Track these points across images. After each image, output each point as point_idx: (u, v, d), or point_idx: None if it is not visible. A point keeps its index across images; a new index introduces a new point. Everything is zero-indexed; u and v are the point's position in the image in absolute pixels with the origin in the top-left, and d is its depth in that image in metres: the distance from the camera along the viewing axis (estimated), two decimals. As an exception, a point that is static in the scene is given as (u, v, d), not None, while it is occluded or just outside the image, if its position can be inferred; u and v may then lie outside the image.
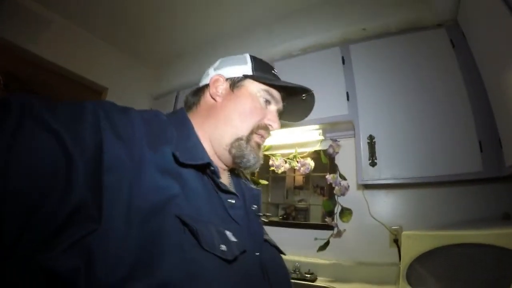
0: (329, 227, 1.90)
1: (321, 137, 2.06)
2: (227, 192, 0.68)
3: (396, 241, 1.70)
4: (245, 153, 0.74)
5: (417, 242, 1.31)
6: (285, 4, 2.13)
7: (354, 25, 1.90)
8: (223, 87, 0.80)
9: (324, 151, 2.07)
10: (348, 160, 1.94)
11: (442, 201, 1.68)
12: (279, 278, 0.76)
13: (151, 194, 0.53)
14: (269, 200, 2.35)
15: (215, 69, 0.84)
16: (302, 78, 1.95)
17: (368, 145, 1.62)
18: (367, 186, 1.81)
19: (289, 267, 1.88)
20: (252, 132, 0.76)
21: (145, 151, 0.57)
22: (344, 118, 1.78)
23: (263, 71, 0.83)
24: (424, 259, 1.28)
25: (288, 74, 2.01)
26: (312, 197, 2.26)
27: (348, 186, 1.90)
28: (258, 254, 0.69)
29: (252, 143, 0.76)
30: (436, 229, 1.34)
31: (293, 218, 2.17)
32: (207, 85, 0.82)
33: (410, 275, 1.31)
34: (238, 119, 0.76)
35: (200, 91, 0.84)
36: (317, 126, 1.94)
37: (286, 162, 2.17)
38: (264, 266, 0.69)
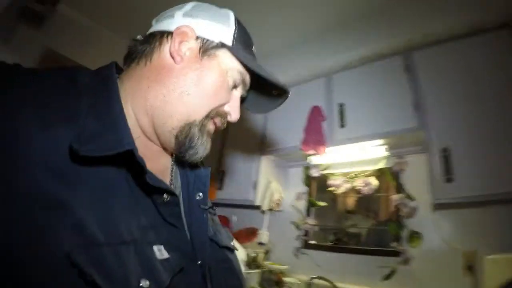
0: (394, 254, 1.67)
1: (386, 154, 1.88)
2: (158, 187, 0.51)
3: (471, 268, 1.43)
4: (195, 144, 0.57)
5: (506, 268, 1.08)
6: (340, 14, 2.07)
7: (416, 31, 1.76)
8: (190, 46, 0.58)
9: (389, 169, 1.88)
10: (416, 178, 1.74)
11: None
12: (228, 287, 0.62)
13: (19, 222, 0.36)
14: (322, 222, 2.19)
15: (184, 15, 0.60)
16: (362, 89, 1.85)
17: (443, 159, 1.42)
18: (440, 206, 1.56)
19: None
20: (208, 117, 0.59)
21: (29, 139, 0.40)
22: (412, 130, 1.61)
23: (244, 44, 0.63)
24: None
25: (347, 85, 1.99)
26: (364, 221, 2.04)
27: (417, 207, 1.69)
28: (200, 263, 0.57)
29: (206, 131, 0.60)
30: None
31: (345, 244, 1.98)
32: (168, 34, 0.59)
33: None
34: (198, 97, 0.57)
35: (155, 38, 0.60)
36: (380, 141, 1.78)
37: (347, 181, 2.02)
38: (208, 276, 0.57)
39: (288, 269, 2.01)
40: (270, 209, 2.21)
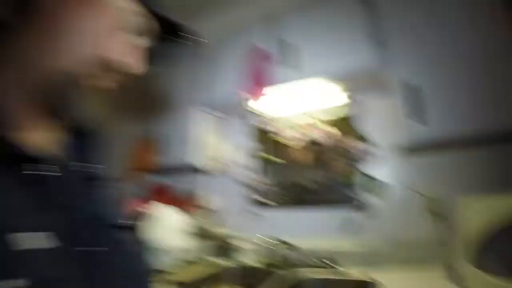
0: (357, 205, 1.57)
1: (345, 100, 1.72)
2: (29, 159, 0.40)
3: (438, 215, 1.38)
4: (73, 104, 0.45)
5: (484, 212, 0.99)
6: None
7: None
8: None
9: (349, 116, 1.72)
10: (379, 123, 1.60)
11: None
12: (123, 275, 0.51)
13: None
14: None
15: None
16: (314, 25, 1.62)
17: (411, 99, 1.27)
18: (406, 151, 1.45)
19: (306, 258, 1.57)
20: (92, 68, 0.44)
21: None
22: (374, 68, 1.43)
23: None
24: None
25: (296, 22, 1.71)
26: (323, 174, 1.88)
27: (381, 154, 1.57)
28: (82, 247, 0.44)
29: (91, 87, 0.45)
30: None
31: (304, 200, 1.84)
32: None
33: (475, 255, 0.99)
34: (77, 37, 0.43)
35: None
36: (339, 84, 1.61)
37: (303, 132, 1.84)
38: (91, 263, 0.45)
39: (242, 234, 1.81)
40: (216, 171, 1.96)
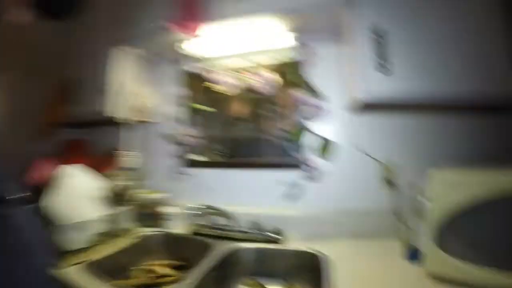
0: (301, 166, 1.40)
1: (291, 42, 1.44)
2: None
3: (391, 183, 1.27)
4: None
5: (453, 188, 0.86)
6: None
7: None
8: None
9: (295, 62, 1.46)
10: (330, 74, 1.39)
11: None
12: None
13: None
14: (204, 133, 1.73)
15: None
16: None
17: (375, 45, 1.05)
18: (365, 107, 1.25)
19: (245, 224, 1.37)
20: None
21: None
22: (329, 4, 1.18)
23: None
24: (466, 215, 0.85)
25: None
26: (262, 128, 1.65)
27: (330, 110, 1.38)
28: None
29: None
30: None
31: (239, 157, 1.62)
32: None
33: (442, 234, 0.89)
34: None
35: None
36: (283, 22, 1.30)
37: (239, 78, 1.55)
38: None
39: (169, 197, 1.57)
40: (136, 122, 1.62)
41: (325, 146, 1.36)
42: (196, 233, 1.40)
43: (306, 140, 1.39)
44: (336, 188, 1.36)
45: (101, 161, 1.68)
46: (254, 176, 1.49)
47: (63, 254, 1.13)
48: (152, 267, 1.34)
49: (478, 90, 0.97)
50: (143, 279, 1.24)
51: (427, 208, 0.92)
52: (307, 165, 1.37)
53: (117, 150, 1.59)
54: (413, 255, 1.04)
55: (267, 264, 1.26)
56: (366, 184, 1.32)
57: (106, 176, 1.60)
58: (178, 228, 1.48)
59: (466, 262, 0.85)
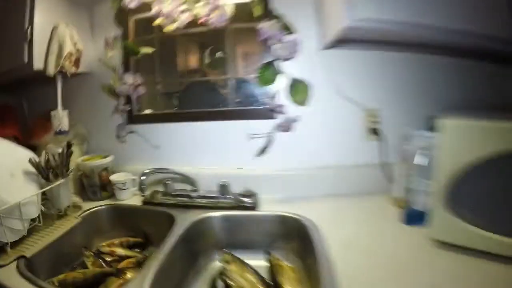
0: (271, 115, 1.16)
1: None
2: None
3: (376, 132, 1.08)
4: None
5: (471, 141, 0.67)
6: None
7: None
8: None
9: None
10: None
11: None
12: None
13: None
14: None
15: None
16: None
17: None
18: (345, 40, 1.00)
19: (213, 186, 1.16)
20: None
21: None
22: None
23: None
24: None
25: None
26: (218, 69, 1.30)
27: (301, 44, 1.10)
28: None
29: None
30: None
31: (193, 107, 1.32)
32: None
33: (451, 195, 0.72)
34: None
35: None
36: None
37: (184, 8, 1.20)
38: None
39: (114, 161, 1.31)
40: (68, 74, 1.25)
41: (299, 90, 1.12)
42: (152, 203, 1.17)
43: (277, 83, 1.13)
44: (313, 140, 1.15)
45: (32, 128, 1.36)
46: (216, 130, 1.23)
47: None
48: (105, 249, 1.13)
49: (475, 32, 0.77)
50: (96, 266, 1.04)
51: (433, 163, 0.74)
52: (278, 113, 1.13)
53: (48, 112, 1.26)
54: (412, 217, 0.88)
55: (241, 234, 1.07)
56: (348, 134, 1.13)
57: (38, 144, 1.30)
58: (130, 199, 1.25)
59: (478, 227, 0.70)
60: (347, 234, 0.88)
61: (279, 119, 1.14)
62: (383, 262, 0.74)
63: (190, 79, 1.30)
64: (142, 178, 1.12)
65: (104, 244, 1.17)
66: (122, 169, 1.29)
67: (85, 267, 1.02)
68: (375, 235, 0.87)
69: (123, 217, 1.22)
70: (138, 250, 1.15)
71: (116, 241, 1.19)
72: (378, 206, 1.03)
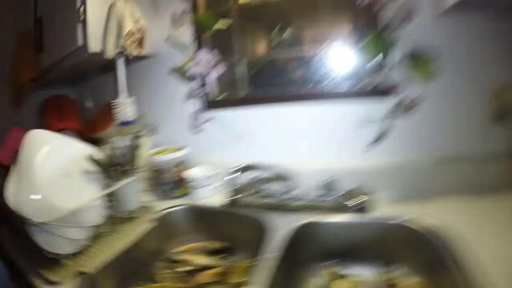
0: (383, 96, 0.91)
1: None
2: None
3: (503, 116, 0.83)
4: None
5: None
6: None
7: None
8: None
9: None
10: None
11: None
12: None
13: None
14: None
15: None
16: None
17: None
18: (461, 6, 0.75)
19: (312, 184, 0.96)
20: None
21: None
22: None
23: None
24: None
25: None
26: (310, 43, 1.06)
27: (418, 5, 0.84)
28: None
29: None
30: None
31: (285, 86, 1.09)
32: None
33: None
34: None
35: None
36: None
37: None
38: None
39: (188, 155, 1.13)
40: (133, 58, 1.10)
41: (418, 64, 0.86)
42: (237, 204, 1.00)
43: (388, 56, 0.89)
44: (434, 126, 0.90)
45: (94, 120, 1.23)
46: (313, 115, 1.01)
47: (46, 267, 0.74)
48: (181, 257, 0.97)
49: None
50: (173, 281, 0.88)
51: None
52: (392, 93, 0.90)
53: (112, 102, 1.11)
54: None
55: (349, 242, 0.86)
56: (475, 120, 0.87)
57: (101, 137, 1.15)
58: (208, 198, 1.07)
59: None
60: (491, 247, 0.63)
61: (393, 101, 0.91)
62: None
63: (275, 55, 1.09)
64: (231, 176, 0.94)
65: (179, 250, 1.01)
66: (199, 164, 1.12)
67: (155, 279, 0.88)
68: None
69: (202, 220, 1.05)
70: (219, 256, 0.99)
71: (193, 246, 1.03)
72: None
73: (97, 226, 0.85)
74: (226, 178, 0.96)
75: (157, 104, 1.23)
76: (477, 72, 0.84)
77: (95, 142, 1.10)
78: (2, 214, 0.77)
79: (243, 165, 0.96)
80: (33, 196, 0.72)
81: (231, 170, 0.95)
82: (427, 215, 0.78)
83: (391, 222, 0.82)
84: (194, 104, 1.15)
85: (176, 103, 1.18)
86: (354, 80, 0.95)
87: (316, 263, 0.88)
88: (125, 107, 1.08)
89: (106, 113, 1.20)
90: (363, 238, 0.85)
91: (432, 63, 0.85)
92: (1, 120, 1.18)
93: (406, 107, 0.89)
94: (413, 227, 0.78)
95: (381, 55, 0.89)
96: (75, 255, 0.78)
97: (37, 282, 0.71)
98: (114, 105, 1.08)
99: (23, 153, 0.78)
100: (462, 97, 0.86)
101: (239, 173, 0.96)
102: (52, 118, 1.25)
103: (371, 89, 0.92)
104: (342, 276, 0.81)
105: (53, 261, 0.74)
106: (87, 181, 0.87)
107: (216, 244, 1.02)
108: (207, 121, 1.15)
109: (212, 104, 1.14)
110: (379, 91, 0.91)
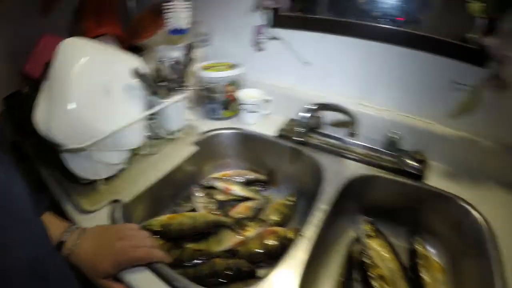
0: (479, 60, 0.78)
1: None
2: None
3: None
4: None
5: None
6: None
7: None
8: None
9: None
10: None
11: None
12: None
13: None
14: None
15: None
16: None
17: None
18: None
19: (377, 135, 0.90)
20: None
21: None
22: None
23: None
24: None
25: None
26: None
27: None
28: None
29: None
30: None
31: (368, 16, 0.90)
32: None
33: None
34: None
35: None
36: None
37: None
38: None
39: (242, 75, 1.03)
40: None
41: None
42: (291, 139, 0.94)
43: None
44: None
45: (138, 24, 1.02)
46: (397, 60, 0.88)
47: (80, 194, 0.70)
48: (220, 184, 0.93)
49: None
50: (208, 210, 0.85)
51: None
52: (497, 58, 0.80)
53: (161, 4, 0.92)
54: None
55: (391, 203, 0.86)
56: None
57: (146, 46, 0.99)
58: (257, 124, 1.02)
59: None
60: None
61: (492, 72, 0.81)
62: None
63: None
64: (305, 115, 0.86)
65: (218, 175, 0.98)
66: (253, 85, 1.03)
67: (192, 205, 0.87)
68: None
69: (247, 147, 1.02)
70: (257, 188, 0.97)
71: (233, 173, 1.00)
72: None
73: (137, 148, 0.79)
74: (303, 116, 0.87)
75: (215, 11, 1.07)
76: None
77: (137, 50, 0.95)
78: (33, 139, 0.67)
79: (316, 103, 0.88)
80: (70, 106, 0.62)
81: (309, 108, 0.87)
82: (478, 201, 0.76)
83: (442, 195, 0.79)
84: (260, 17, 1.00)
85: (239, 12, 1.02)
86: (451, 32, 0.84)
87: (356, 215, 0.89)
88: (179, 11, 0.91)
89: (153, 16, 1.02)
90: (408, 202, 0.84)
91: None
92: (29, 26, 0.97)
93: (500, 84, 0.80)
94: (461, 208, 0.76)
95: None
96: (111, 179, 0.74)
97: (71, 210, 0.67)
98: (166, 8, 0.90)
99: (55, 66, 0.64)
100: None
101: (311, 109, 0.88)
102: (90, 22, 1.03)
103: (471, 49, 0.82)
104: (378, 234, 0.82)
105: (88, 187, 0.70)
106: (130, 98, 0.77)
107: (258, 175, 1.00)
108: (272, 38, 1.01)
109: (280, 20, 0.98)
110: (479, 55, 0.81)
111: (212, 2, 1.07)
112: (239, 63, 1.04)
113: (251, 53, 1.06)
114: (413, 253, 0.78)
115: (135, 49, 0.99)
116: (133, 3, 1.20)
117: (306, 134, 0.93)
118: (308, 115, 0.86)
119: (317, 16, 0.96)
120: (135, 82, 0.77)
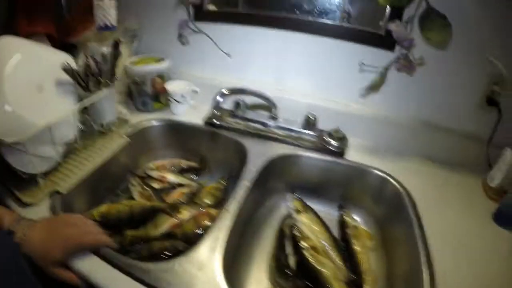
0: (390, 46, 0.87)
1: None
2: None
3: (494, 102, 0.82)
4: None
5: None
6: None
7: None
8: None
9: None
10: None
11: None
12: None
13: None
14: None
15: None
16: None
17: None
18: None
19: (296, 116, 0.97)
20: None
21: None
22: None
23: None
24: None
25: None
26: None
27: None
28: None
29: None
30: None
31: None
32: None
33: None
34: None
35: None
36: None
37: None
38: None
39: (170, 67, 1.06)
40: None
41: (434, 27, 0.80)
42: (217, 125, 0.98)
43: (407, 8, 0.81)
44: (426, 91, 0.88)
45: (70, 23, 1.04)
46: (310, 47, 0.95)
47: (19, 188, 0.70)
48: (154, 173, 0.96)
49: None
50: (145, 197, 0.87)
51: None
52: (402, 46, 0.85)
53: (91, 3, 0.92)
54: (508, 219, 0.70)
55: (318, 179, 0.92)
56: (463, 97, 0.85)
57: (78, 43, 1.02)
58: (186, 115, 1.05)
59: None
60: (442, 214, 0.71)
61: (399, 55, 0.87)
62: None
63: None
64: (219, 99, 0.90)
65: (152, 166, 1.01)
66: (181, 77, 1.07)
67: (130, 195, 0.88)
68: (466, 224, 0.70)
69: (178, 137, 1.04)
70: (190, 175, 1.01)
71: (167, 162, 1.03)
72: (469, 188, 0.82)
73: (72, 141, 0.81)
74: (217, 99, 0.92)
75: (142, 7, 1.10)
76: (484, 51, 0.79)
77: (70, 48, 0.97)
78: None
79: (232, 88, 0.93)
80: (6, 107, 0.62)
81: (220, 91, 0.92)
82: (396, 171, 0.83)
83: (363, 169, 0.86)
84: (185, 12, 1.04)
85: (165, 8, 1.06)
86: (361, 21, 0.91)
87: (285, 193, 0.93)
88: (107, 9, 0.94)
89: (84, 15, 1.02)
90: (333, 178, 0.90)
91: (447, 32, 0.81)
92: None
93: (408, 65, 0.87)
94: (382, 179, 0.84)
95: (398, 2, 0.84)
96: (49, 173, 0.74)
97: (11, 203, 0.68)
98: (94, 6, 0.93)
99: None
100: (463, 70, 0.83)
101: (226, 94, 0.92)
102: (21, 21, 1.04)
103: (378, 35, 0.88)
104: (306, 209, 0.87)
105: (27, 181, 0.70)
106: (62, 94, 0.78)
107: (190, 163, 1.04)
108: (196, 32, 1.06)
109: (203, 15, 1.03)
110: (385, 39, 0.87)
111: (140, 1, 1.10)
112: (166, 56, 1.06)
113: (177, 46, 1.10)
114: (342, 224, 0.84)
115: (69, 47, 1.01)
116: (64, 2, 1.23)
117: (224, 117, 0.98)
118: (222, 99, 0.92)
119: (236, 10, 1.02)
120: (67, 78, 0.80)
